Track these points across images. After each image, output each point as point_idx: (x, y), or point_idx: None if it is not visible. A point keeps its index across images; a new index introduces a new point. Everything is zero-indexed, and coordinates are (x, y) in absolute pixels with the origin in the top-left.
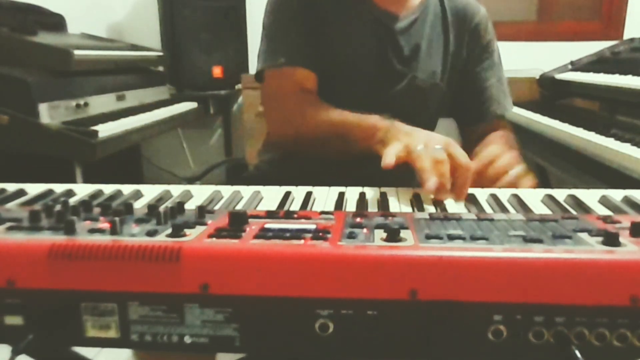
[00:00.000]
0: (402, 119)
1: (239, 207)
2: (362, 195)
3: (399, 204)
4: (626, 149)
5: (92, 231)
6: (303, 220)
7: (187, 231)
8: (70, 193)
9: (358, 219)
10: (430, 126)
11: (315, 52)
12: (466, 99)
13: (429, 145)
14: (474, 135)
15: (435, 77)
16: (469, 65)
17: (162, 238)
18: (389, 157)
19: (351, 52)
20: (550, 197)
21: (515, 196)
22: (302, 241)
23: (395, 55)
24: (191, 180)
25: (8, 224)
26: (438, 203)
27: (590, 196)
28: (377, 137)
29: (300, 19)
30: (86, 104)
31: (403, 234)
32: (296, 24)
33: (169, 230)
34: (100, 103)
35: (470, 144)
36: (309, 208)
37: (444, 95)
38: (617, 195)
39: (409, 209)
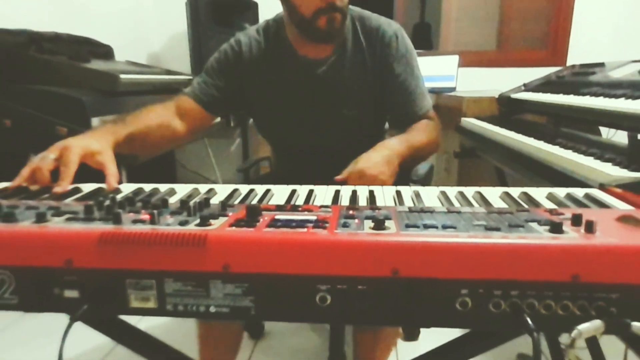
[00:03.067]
0: (339, 143)
1: (254, 202)
2: (354, 192)
3: (384, 200)
4: (569, 154)
5: (135, 221)
6: (306, 213)
7: (212, 221)
8: (117, 191)
9: (351, 212)
10: (368, 142)
11: (215, 95)
12: (392, 107)
13: None
14: (401, 131)
15: (360, 104)
16: (387, 75)
17: (192, 227)
18: None
19: (285, 97)
20: (507, 194)
21: (479, 193)
22: (305, 229)
23: (322, 97)
24: (241, 171)
25: (67, 216)
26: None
27: (539, 193)
28: None
29: (218, 73)
30: None
31: (387, 223)
32: (213, 74)
33: (197, 221)
34: None
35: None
36: (311, 203)
37: (374, 111)
38: (561, 192)
39: (392, 204)
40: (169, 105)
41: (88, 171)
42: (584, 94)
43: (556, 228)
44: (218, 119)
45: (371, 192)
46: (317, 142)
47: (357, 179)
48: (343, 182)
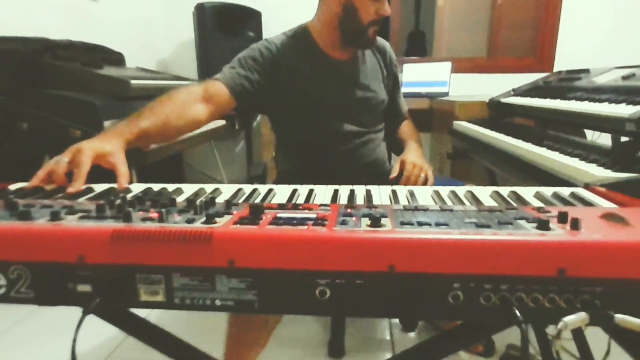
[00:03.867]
0: (361, 126)
1: (257, 201)
2: (352, 191)
3: (380, 198)
4: (555, 155)
5: (145, 219)
6: (306, 211)
7: (217, 219)
8: (127, 190)
9: (349, 210)
10: (379, 128)
11: (245, 85)
12: (391, 105)
13: None
14: (394, 126)
15: (381, 95)
16: (394, 80)
17: (198, 225)
18: None
19: (319, 90)
20: (497, 192)
21: (470, 192)
22: (305, 227)
23: (356, 86)
24: (254, 179)
25: (80, 214)
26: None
27: (527, 192)
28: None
29: (251, 67)
30: None
31: (383, 221)
32: (246, 66)
33: (204, 219)
34: None
35: (392, 132)
36: (311, 201)
37: (385, 105)
38: (548, 191)
39: (388, 202)
40: (194, 90)
41: (101, 172)
42: (570, 99)
43: (543, 225)
44: (223, 122)
45: (368, 192)
46: (347, 133)
47: (411, 168)
48: (395, 182)
